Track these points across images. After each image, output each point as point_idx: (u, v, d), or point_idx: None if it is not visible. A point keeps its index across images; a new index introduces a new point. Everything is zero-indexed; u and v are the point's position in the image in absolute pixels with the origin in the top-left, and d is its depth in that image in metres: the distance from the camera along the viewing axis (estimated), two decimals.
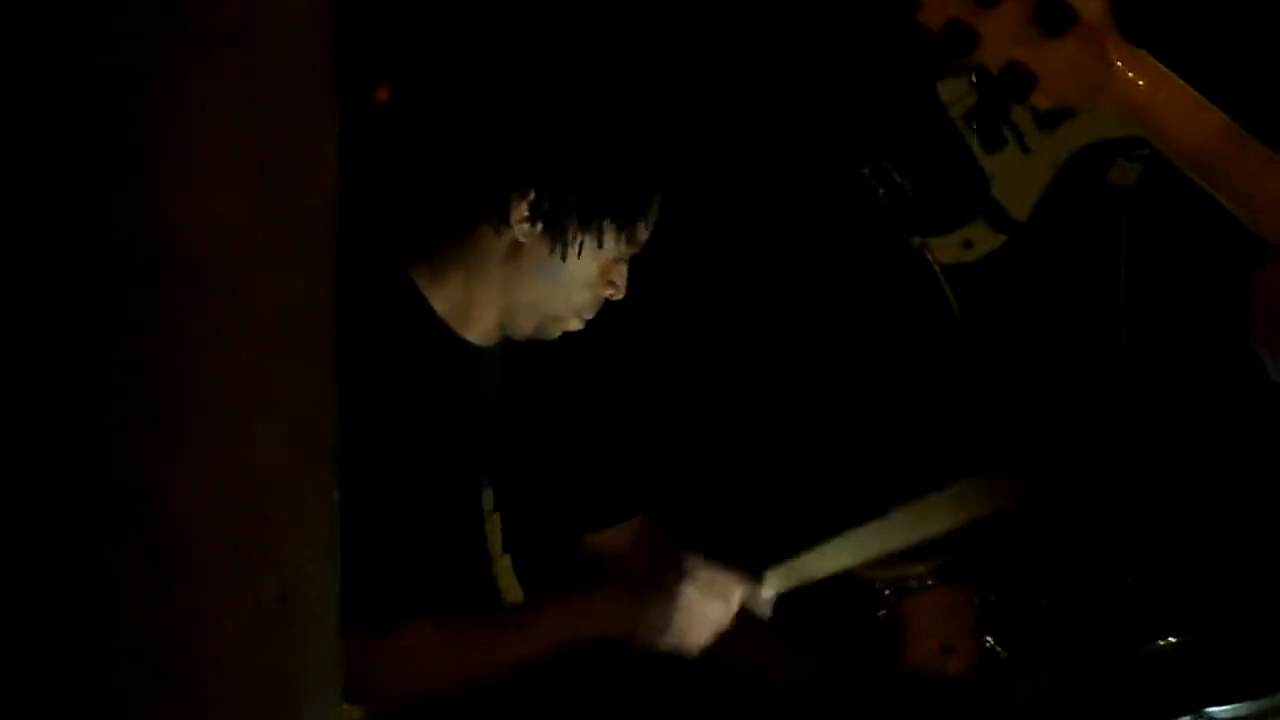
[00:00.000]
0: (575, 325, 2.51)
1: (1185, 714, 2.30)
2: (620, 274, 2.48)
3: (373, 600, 2.22)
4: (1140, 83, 1.72)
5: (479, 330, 2.49)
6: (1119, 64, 1.70)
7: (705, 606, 2.44)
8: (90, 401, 1.26)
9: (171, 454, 1.26)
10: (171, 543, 1.27)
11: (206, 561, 1.28)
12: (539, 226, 2.39)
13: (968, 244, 3.14)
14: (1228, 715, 2.36)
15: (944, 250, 3.16)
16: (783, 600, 2.58)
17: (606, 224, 2.40)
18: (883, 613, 2.75)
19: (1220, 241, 3.13)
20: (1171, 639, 2.49)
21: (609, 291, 2.48)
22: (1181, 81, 1.74)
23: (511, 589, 2.59)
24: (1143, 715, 2.29)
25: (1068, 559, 3.09)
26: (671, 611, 2.41)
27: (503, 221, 2.39)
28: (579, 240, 2.40)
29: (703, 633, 2.42)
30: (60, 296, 1.26)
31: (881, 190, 3.20)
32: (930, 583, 2.75)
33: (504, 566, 2.58)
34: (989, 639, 2.77)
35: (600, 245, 2.41)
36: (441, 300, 2.46)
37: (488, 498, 2.54)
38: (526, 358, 2.58)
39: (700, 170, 3.14)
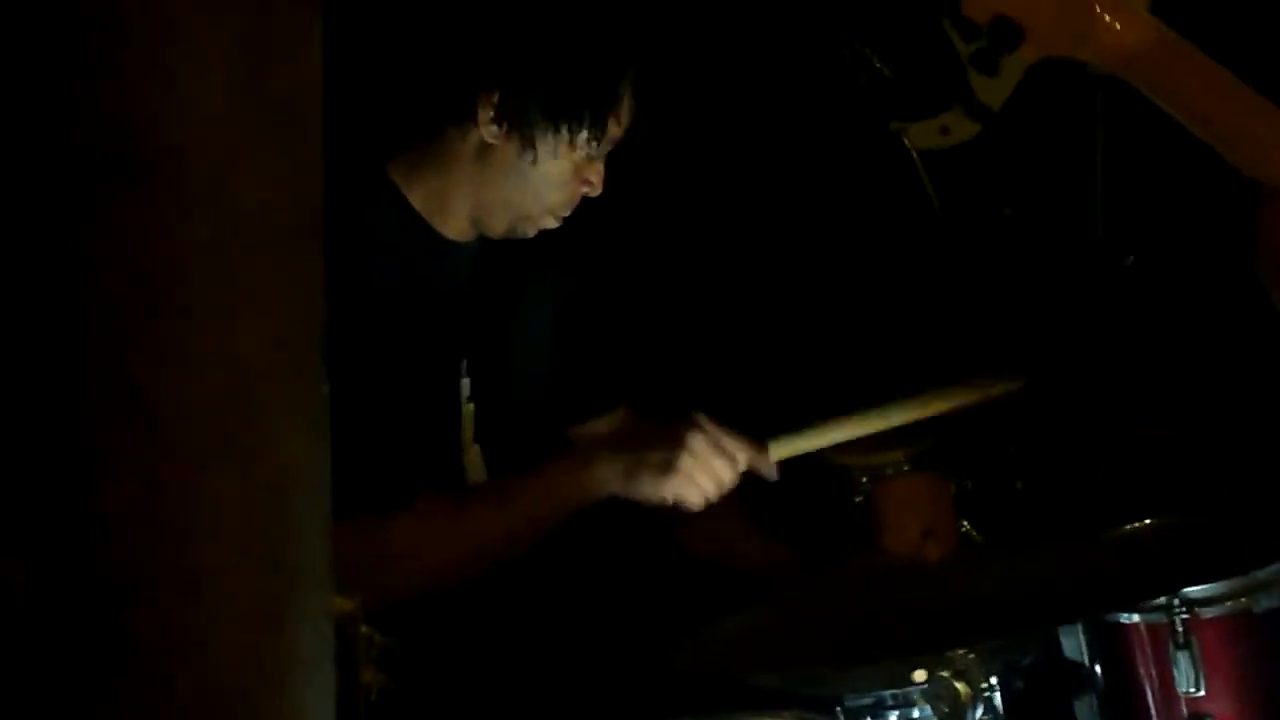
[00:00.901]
0: (551, 223, 2.51)
1: (1160, 595, 2.34)
2: (596, 171, 2.48)
3: (357, 489, 2.23)
4: (1126, 32, 1.72)
5: (455, 226, 2.49)
6: (1104, 15, 1.69)
7: (712, 457, 2.44)
8: (73, 300, 1.25)
9: (160, 350, 1.26)
10: (163, 436, 1.27)
11: (198, 454, 1.27)
12: (506, 127, 2.39)
13: (945, 130, 3.16)
14: (1202, 595, 2.39)
15: (921, 136, 3.17)
16: (759, 489, 2.60)
17: (575, 123, 2.40)
18: (859, 499, 2.77)
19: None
20: (1146, 521, 2.52)
21: (585, 189, 2.48)
22: (1167, 29, 1.74)
23: (478, 480, 2.61)
24: (1118, 597, 2.32)
25: (1042, 444, 3.11)
26: (677, 456, 2.41)
27: (470, 122, 2.39)
28: (548, 140, 2.40)
29: (706, 486, 2.44)
30: (34, 194, 1.25)
31: (862, 74, 3.20)
32: (907, 469, 2.77)
33: (473, 456, 2.60)
34: (965, 524, 2.80)
35: (571, 144, 2.41)
36: (418, 196, 2.47)
37: (464, 386, 2.55)
38: (506, 250, 2.58)
39: (674, 57, 3.12)
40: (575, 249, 2.69)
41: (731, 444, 2.47)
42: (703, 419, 2.46)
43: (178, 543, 1.27)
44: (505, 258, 2.58)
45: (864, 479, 2.77)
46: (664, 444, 2.43)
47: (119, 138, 1.25)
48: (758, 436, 2.58)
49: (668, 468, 2.41)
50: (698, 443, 2.43)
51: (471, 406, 2.56)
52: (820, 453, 2.73)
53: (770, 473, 2.51)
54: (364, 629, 1.58)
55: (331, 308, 1.42)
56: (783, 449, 2.56)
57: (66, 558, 1.26)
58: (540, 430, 2.73)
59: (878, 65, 3.19)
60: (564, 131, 2.39)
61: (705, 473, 2.42)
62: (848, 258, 3.49)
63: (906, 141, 3.16)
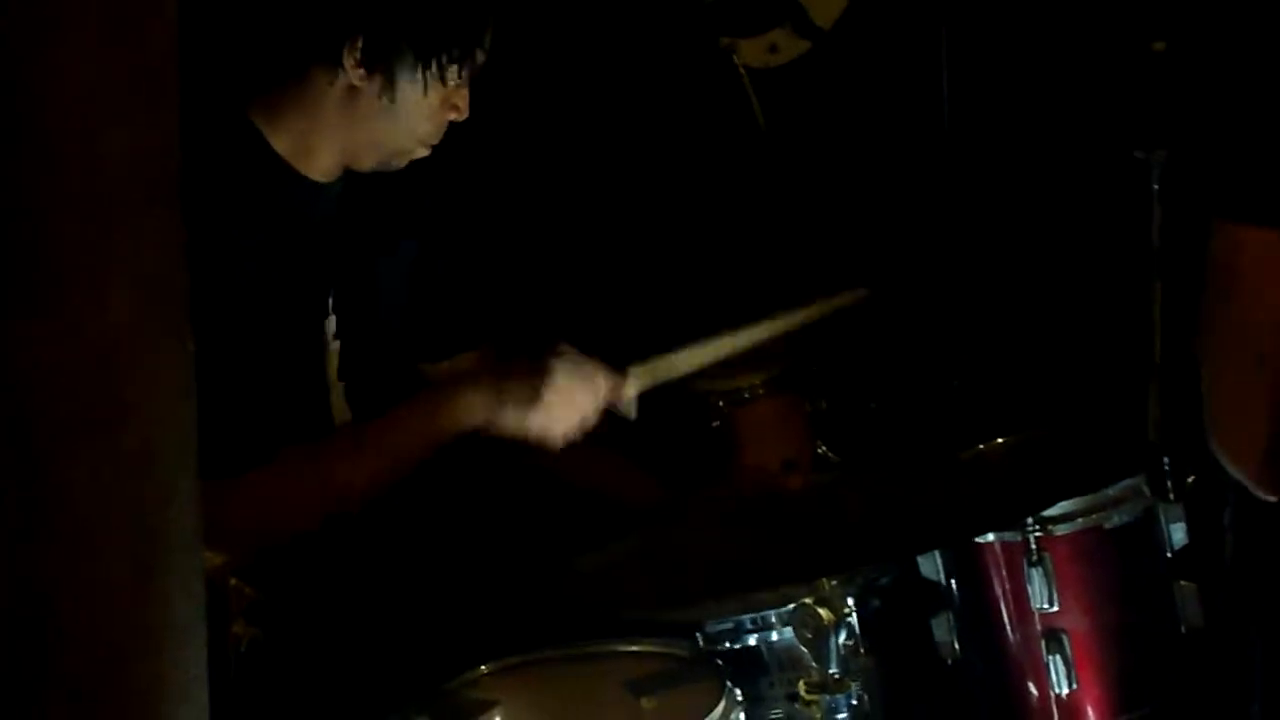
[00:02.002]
0: (422, 153, 2.50)
1: (1021, 518, 2.38)
2: (462, 97, 2.46)
3: (223, 442, 2.21)
4: None
5: (319, 168, 2.47)
6: None
7: (574, 389, 2.44)
8: None
9: (24, 315, 1.24)
10: (29, 403, 1.25)
11: (65, 419, 1.26)
12: (372, 70, 2.36)
13: (773, 48, 3.18)
14: (1055, 513, 2.44)
15: (750, 53, 3.18)
16: (617, 419, 2.61)
17: (443, 60, 2.38)
18: (717, 423, 2.79)
19: (1038, 53, 3.20)
20: (999, 440, 2.56)
21: (452, 115, 2.46)
22: None
23: (342, 416, 2.59)
24: (978, 522, 2.36)
25: (895, 363, 3.15)
26: (539, 389, 2.41)
27: (337, 66, 2.36)
28: (416, 79, 2.38)
29: (569, 417, 2.43)
30: None
31: None
32: (762, 393, 2.79)
33: (337, 394, 2.58)
34: (821, 445, 2.83)
35: (441, 81, 2.39)
36: (280, 139, 2.43)
37: (329, 324, 2.53)
38: (369, 188, 2.56)
39: None
40: (435, 186, 2.67)
41: (593, 371, 2.47)
42: (565, 348, 2.46)
43: (47, 509, 1.26)
44: (368, 196, 2.56)
45: (721, 404, 2.79)
46: (527, 375, 2.43)
47: None
48: (615, 366, 2.58)
49: (532, 399, 2.41)
50: (559, 372, 2.43)
51: (337, 344, 2.54)
52: (677, 380, 2.75)
53: (629, 408, 2.52)
54: (233, 583, 1.59)
55: (194, 253, 1.40)
56: (641, 376, 2.56)
57: None
58: (403, 368, 2.72)
59: None
60: (433, 69, 2.38)
61: (567, 403, 2.43)
62: (678, 176, 3.48)
63: (735, 59, 3.16)
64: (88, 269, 1.26)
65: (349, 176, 2.51)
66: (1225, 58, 1.88)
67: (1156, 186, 2.54)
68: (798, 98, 3.32)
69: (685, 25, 3.28)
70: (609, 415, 2.50)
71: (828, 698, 2.18)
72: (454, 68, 2.40)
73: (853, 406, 3.01)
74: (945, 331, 3.17)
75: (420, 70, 2.37)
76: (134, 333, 1.29)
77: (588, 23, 3.42)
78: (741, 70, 3.23)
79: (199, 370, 1.42)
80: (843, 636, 2.19)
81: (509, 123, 3.33)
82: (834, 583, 2.17)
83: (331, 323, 2.52)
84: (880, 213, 3.32)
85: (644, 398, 2.63)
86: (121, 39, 1.25)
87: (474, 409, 2.42)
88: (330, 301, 2.52)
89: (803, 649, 2.21)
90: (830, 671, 2.18)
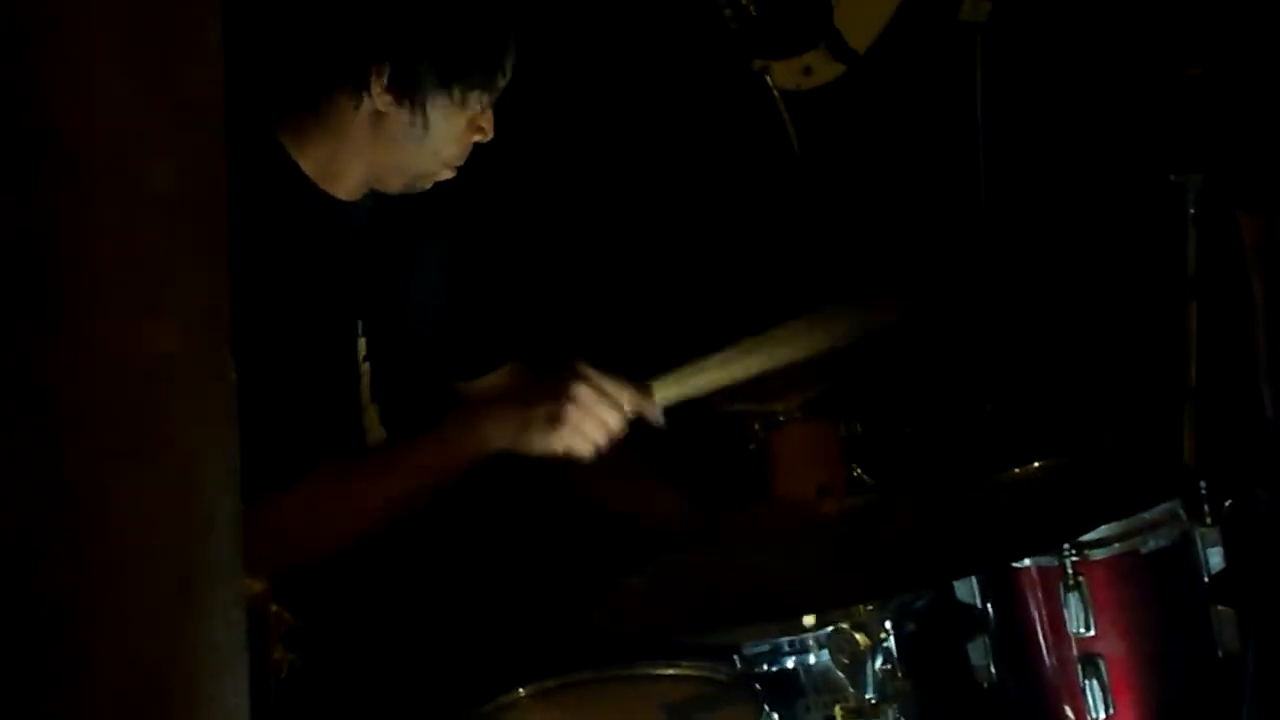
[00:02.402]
0: (447, 175, 2.52)
1: (1057, 544, 2.38)
2: (487, 119, 2.48)
3: (256, 465, 2.22)
4: None
5: (346, 188, 2.49)
6: None
7: (597, 405, 2.45)
8: None
9: (69, 348, 1.25)
10: (70, 433, 1.26)
11: (107, 451, 1.27)
12: (399, 96, 2.38)
13: (807, 71, 3.18)
14: (1091, 537, 2.44)
15: (784, 75, 3.18)
16: (657, 441, 2.62)
17: (468, 85, 2.40)
18: (753, 446, 2.79)
19: (1073, 77, 3.20)
20: (1034, 464, 2.56)
21: (477, 137, 2.48)
22: None
23: (377, 438, 2.61)
24: (1014, 548, 2.36)
25: (930, 386, 3.15)
26: (563, 407, 2.42)
27: (363, 92, 2.38)
28: (441, 104, 2.40)
29: (595, 433, 2.44)
30: None
31: (727, 10, 3.20)
32: (799, 416, 2.80)
33: (371, 416, 2.60)
34: (856, 468, 2.83)
35: (464, 103, 2.41)
36: (308, 160, 2.45)
37: (361, 346, 2.55)
38: (398, 208, 2.58)
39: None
40: (464, 205, 2.69)
41: (615, 389, 2.48)
42: (584, 367, 2.47)
43: (87, 538, 1.27)
44: (397, 216, 2.58)
45: (756, 426, 2.80)
46: (549, 396, 2.44)
47: (23, 130, 1.25)
48: (640, 380, 2.59)
49: (555, 420, 2.42)
50: (582, 392, 2.44)
51: (368, 366, 2.56)
52: (714, 402, 2.75)
53: (656, 416, 2.52)
54: (274, 609, 1.60)
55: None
56: (666, 389, 2.57)
57: None
58: (436, 388, 2.73)
59: (744, 1, 3.19)
60: (457, 94, 2.40)
61: (592, 421, 2.44)
62: (710, 198, 3.48)
63: (769, 80, 3.17)
64: (129, 300, 1.27)
65: (378, 195, 2.53)
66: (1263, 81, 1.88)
67: (1192, 210, 2.54)
68: (832, 120, 3.32)
69: (717, 48, 3.29)
70: (636, 432, 2.52)
71: None
72: (478, 93, 2.42)
73: (888, 429, 3.01)
74: (980, 354, 3.17)
75: (446, 95, 2.39)
76: (176, 363, 1.30)
77: (619, 44, 3.44)
78: (775, 93, 3.24)
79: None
80: (879, 661, 2.20)
81: (540, 143, 3.34)
82: (870, 608, 2.18)
83: (362, 344, 2.54)
84: (914, 235, 3.32)
85: (677, 420, 2.64)
86: (164, 71, 1.27)
87: (500, 430, 2.44)
88: (360, 323, 2.54)
89: (839, 673, 2.21)
90: (867, 697, 2.18)
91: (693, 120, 3.45)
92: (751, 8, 3.25)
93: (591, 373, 2.47)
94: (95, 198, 1.25)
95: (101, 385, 1.27)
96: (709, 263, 3.48)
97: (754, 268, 3.46)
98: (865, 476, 2.84)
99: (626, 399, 2.48)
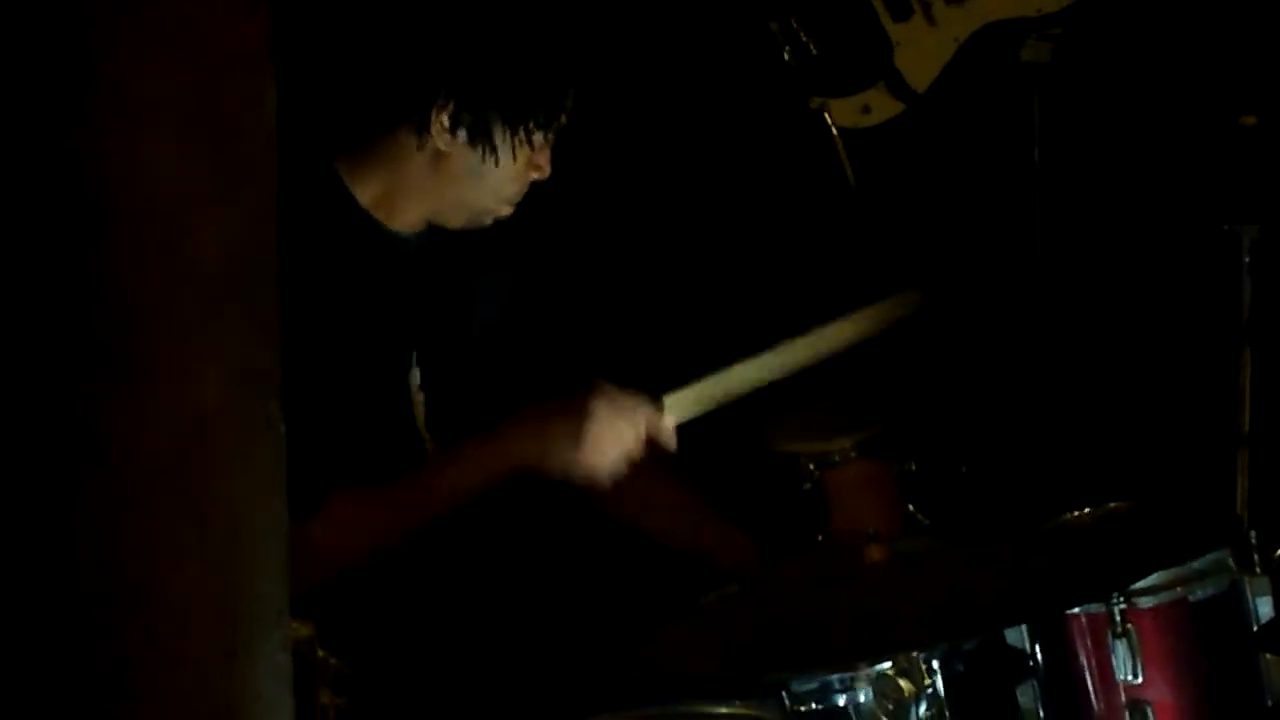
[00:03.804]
0: (507, 211, 2.54)
1: (1107, 594, 2.38)
2: (545, 157, 2.51)
3: (295, 490, 2.26)
4: None
5: (403, 222, 2.52)
6: None
7: (613, 423, 2.47)
8: (38, 351, 1.29)
9: (120, 399, 1.30)
10: (121, 486, 1.31)
11: (155, 504, 1.31)
12: (461, 136, 2.41)
13: (866, 109, 3.19)
14: (1140, 585, 2.44)
15: (842, 113, 3.20)
16: (713, 481, 2.64)
17: (531, 124, 2.43)
18: (808, 485, 2.81)
19: (1130, 123, 3.21)
20: (1085, 510, 2.57)
21: (536, 175, 2.51)
22: None
23: None
24: (1061, 598, 2.37)
25: (986, 426, 3.16)
26: (581, 427, 2.44)
27: (425, 130, 2.41)
28: (504, 142, 2.43)
29: (612, 452, 2.47)
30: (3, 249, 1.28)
31: (787, 48, 3.22)
32: (854, 455, 2.81)
33: (428, 447, 2.63)
34: (910, 507, 2.84)
35: (525, 145, 2.44)
36: (366, 194, 2.48)
37: (414, 376, 2.58)
38: (452, 241, 2.61)
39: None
40: (521, 236, 2.72)
41: (630, 403, 2.50)
42: (603, 385, 2.50)
43: (138, 591, 1.31)
44: (453, 247, 2.61)
45: (812, 466, 2.82)
46: (568, 413, 2.47)
47: (78, 192, 1.29)
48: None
49: (574, 437, 2.45)
50: (600, 408, 2.47)
51: (422, 396, 2.59)
52: (769, 442, 2.78)
53: (669, 438, 2.54)
54: (321, 653, 1.63)
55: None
56: (679, 406, 2.58)
57: (28, 606, 1.30)
58: (493, 418, 2.77)
59: (804, 39, 3.21)
60: (521, 133, 2.43)
61: (609, 440, 2.46)
62: (763, 233, 3.50)
63: (827, 118, 3.18)
64: (178, 355, 1.32)
65: (433, 228, 2.56)
66: None
67: (1247, 259, 2.55)
68: (890, 158, 3.34)
69: (775, 85, 3.31)
70: (693, 469, 2.54)
71: None
72: (540, 132, 2.45)
73: (943, 469, 3.02)
74: (1037, 397, 3.17)
75: (507, 135, 2.42)
76: (223, 420, 1.34)
77: (680, 81, 3.46)
78: (833, 130, 3.25)
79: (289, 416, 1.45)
80: (924, 708, 2.21)
81: (600, 178, 3.37)
82: (915, 655, 2.19)
83: (415, 375, 2.57)
84: (970, 276, 3.33)
85: (736, 460, 2.66)
86: (218, 138, 1.31)
87: (520, 448, 2.47)
88: (415, 354, 2.57)
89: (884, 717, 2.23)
90: None
91: (749, 157, 3.47)
92: (812, 45, 3.27)
93: (610, 390, 2.49)
94: (149, 262, 1.29)
95: (153, 438, 1.31)
96: (763, 296, 3.50)
97: (805, 302, 3.48)
98: (920, 516, 2.85)
99: (642, 416, 2.50)
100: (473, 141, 2.42)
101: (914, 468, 2.91)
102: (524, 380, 2.78)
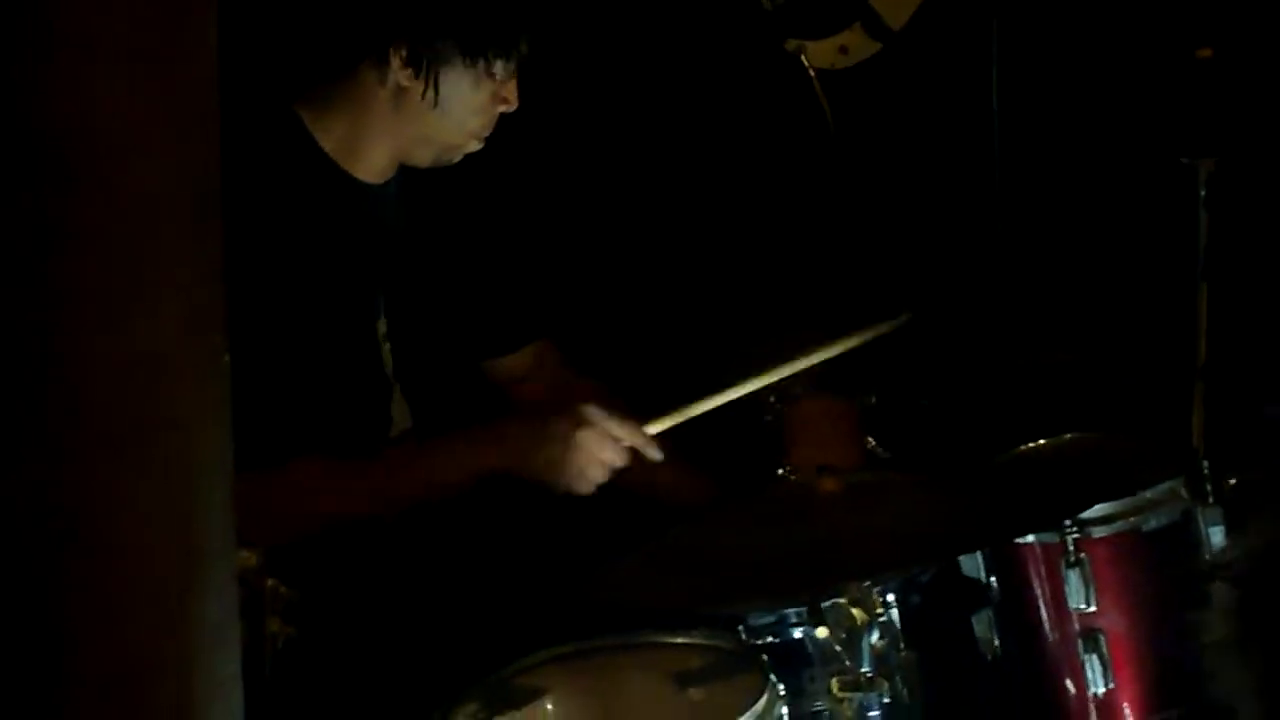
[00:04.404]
0: (475, 147, 2.54)
1: (1058, 521, 2.41)
2: (511, 90, 2.50)
3: (262, 438, 2.27)
4: None
5: (368, 168, 2.51)
6: None
7: (598, 449, 2.49)
8: None
9: (66, 332, 1.31)
10: (67, 417, 1.32)
11: (102, 434, 1.32)
12: (419, 72, 2.41)
13: (843, 50, 3.19)
14: (1093, 515, 2.47)
15: (819, 55, 3.20)
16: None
17: (488, 57, 2.42)
18: (769, 418, 2.83)
19: (1087, 60, 3.21)
20: (1039, 442, 2.59)
21: (502, 107, 2.51)
22: None
23: (402, 416, 2.65)
24: (1014, 526, 2.39)
25: (946, 361, 3.17)
26: (566, 456, 2.46)
27: (384, 67, 2.41)
28: (462, 76, 2.42)
29: (596, 475, 2.49)
30: None
31: None
32: (812, 389, 2.83)
33: (395, 395, 2.64)
34: (870, 440, 2.86)
35: (484, 76, 2.44)
36: (329, 139, 2.48)
37: (381, 326, 2.58)
38: (422, 186, 2.61)
39: None
40: (486, 182, 2.72)
41: (619, 431, 2.51)
42: (590, 410, 2.51)
43: (86, 522, 1.33)
44: (417, 193, 2.61)
45: (772, 399, 2.84)
46: (554, 440, 2.49)
47: (20, 130, 1.29)
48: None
49: (560, 464, 2.47)
50: (587, 438, 2.48)
51: (389, 345, 2.59)
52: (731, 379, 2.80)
53: (654, 455, 2.56)
54: (269, 582, 1.65)
55: (236, 254, 1.46)
56: (665, 422, 2.60)
57: None
58: (461, 366, 2.78)
59: None
60: (479, 66, 2.43)
61: (593, 465, 2.48)
62: (744, 179, 3.50)
63: (804, 60, 3.18)
64: (126, 289, 1.32)
65: (404, 178, 2.56)
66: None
67: (1203, 192, 2.56)
68: (867, 99, 3.34)
69: (750, 28, 3.31)
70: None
71: (860, 695, 2.22)
72: (500, 62, 2.44)
73: (904, 403, 3.04)
74: (996, 331, 3.19)
75: (464, 67, 2.42)
76: (171, 348, 1.35)
77: (655, 27, 3.45)
78: (811, 72, 3.25)
79: (250, 373, 1.46)
80: (876, 636, 2.23)
81: (571, 124, 3.37)
82: (867, 585, 2.21)
83: (383, 324, 2.57)
84: (933, 214, 3.34)
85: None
86: (159, 73, 1.31)
87: (502, 461, 2.51)
88: (381, 303, 2.57)
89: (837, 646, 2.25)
90: (862, 670, 2.22)
91: (727, 100, 3.46)
92: None
93: (597, 416, 2.50)
94: (89, 198, 1.30)
95: (96, 376, 1.32)
96: (742, 246, 3.51)
97: (783, 251, 3.49)
98: (880, 450, 2.87)
99: (626, 436, 2.52)
100: (432, 76, 2.42)
101: (874, 401, 2.93)
102: (495, 328, 2.79)
